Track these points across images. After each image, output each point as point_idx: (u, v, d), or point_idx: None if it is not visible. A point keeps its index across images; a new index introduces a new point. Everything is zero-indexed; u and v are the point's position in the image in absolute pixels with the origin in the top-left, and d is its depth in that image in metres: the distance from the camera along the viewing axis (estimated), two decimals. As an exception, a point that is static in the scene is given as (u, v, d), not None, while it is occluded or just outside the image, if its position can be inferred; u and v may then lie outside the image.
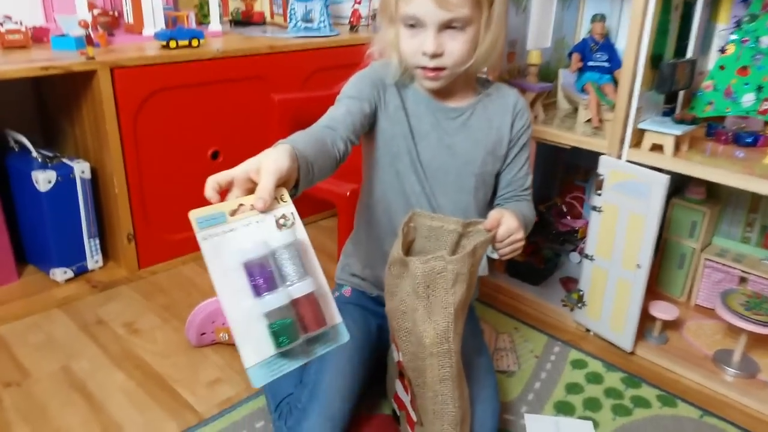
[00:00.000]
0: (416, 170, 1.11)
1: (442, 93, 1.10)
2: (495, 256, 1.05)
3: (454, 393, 0.95)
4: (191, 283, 1.69)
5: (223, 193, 0.72)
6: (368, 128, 1.10)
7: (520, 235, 1.01)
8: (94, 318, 1.50)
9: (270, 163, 0.73)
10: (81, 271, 1.64)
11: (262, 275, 0.69)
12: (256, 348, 0.68)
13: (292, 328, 0.69)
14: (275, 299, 0.69)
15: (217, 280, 0.67)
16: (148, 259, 1.71)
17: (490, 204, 1.20)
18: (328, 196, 1.52)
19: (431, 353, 0.93)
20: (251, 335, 0.68)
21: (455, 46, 0.99)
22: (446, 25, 0.97)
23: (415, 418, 1.01)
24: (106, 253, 1.72)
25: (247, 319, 0.68)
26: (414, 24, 0.98)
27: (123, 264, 1.69)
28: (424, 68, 1.02)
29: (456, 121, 1.11)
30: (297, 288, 0.71)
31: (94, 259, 1.66)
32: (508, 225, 0.99)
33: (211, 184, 0.70)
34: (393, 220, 1.14)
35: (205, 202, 0.70)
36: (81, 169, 1.57)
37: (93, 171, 1.61)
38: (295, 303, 0.71)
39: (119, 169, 1.58)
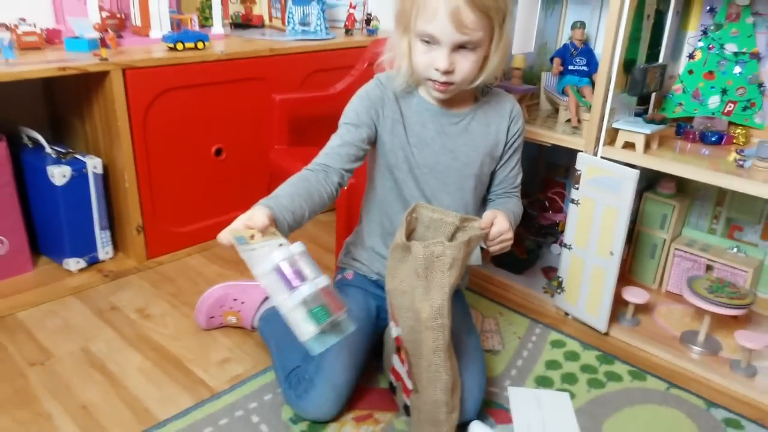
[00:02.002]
0: (414, 177, 1.22)
1: (446, 100, 1.20)
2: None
3: (446, 363, 1.06)
4: (197, 272, 1.79)
5: None
6: (372, 143, 1.22)
7: (510, 235, 1.15)
8: (107, 304, 1.60)
9: (257, 211, 0.98)
10: (92, 262, 1.74)
11: (294, 271, 0.91)
12: (304, 327, 0.92)
13: (324, 311, 0.91)
14: (307, 288, 0.91)
15: (262, 282, 0.91)
16: (155, 250, 1.80)
17: (485, 199, 1.32)
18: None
19: (427, 327, 1.04)
20: (298, 318, 0.92)
21: (465, 65, 1.10)
22: (459, 46, 1.07)
23: (410, 386, 1.12)
24: (116, 244, 1.82)
25: (292, 306, 0.90)
26: (429, 41, 1.08)
27: (132, 255, 1.78)
28: (434, 81, 1.12)
29: (458, 126, 1.23)
30: (320, 281, 0.92)
31: (104, 250, 1.75)
32: (500, 226, 1.12)
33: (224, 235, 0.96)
34: (393, 221, 1.26)
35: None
36: (93, 164, 1.66)
37: (104, 166, 1.71)
38: (321, 291, 0.92)
39: (129, 164, 1.68)
